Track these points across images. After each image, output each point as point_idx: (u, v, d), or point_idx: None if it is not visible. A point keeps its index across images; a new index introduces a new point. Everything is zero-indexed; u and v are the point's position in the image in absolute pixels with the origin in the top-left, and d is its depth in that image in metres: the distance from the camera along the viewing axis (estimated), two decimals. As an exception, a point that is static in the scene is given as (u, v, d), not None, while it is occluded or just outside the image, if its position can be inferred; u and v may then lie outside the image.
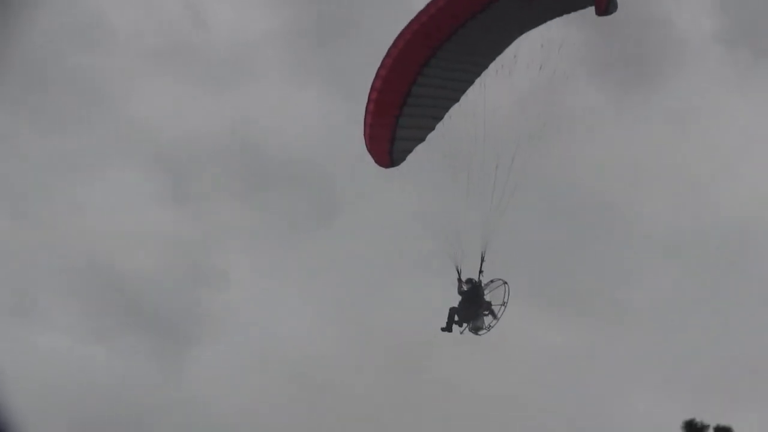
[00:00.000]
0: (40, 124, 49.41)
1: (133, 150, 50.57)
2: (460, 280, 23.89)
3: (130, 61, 51.14)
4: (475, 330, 23.83)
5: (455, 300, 24.13)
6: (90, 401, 42.42)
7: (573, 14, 23.12)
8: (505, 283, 23.99)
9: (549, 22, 23.35)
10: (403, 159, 24.77)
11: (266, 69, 51.25)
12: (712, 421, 13.96)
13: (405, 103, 24.20)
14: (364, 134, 24.32)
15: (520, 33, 23.65)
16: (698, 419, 14.08)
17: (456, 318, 23.84)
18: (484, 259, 23.77)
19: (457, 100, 24.39)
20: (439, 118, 24.56)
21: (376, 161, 24.77)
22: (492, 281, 24.05)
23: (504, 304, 23.87)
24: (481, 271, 23.87)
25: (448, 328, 23.74)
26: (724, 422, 13.96)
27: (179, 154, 49.46)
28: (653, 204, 47.95)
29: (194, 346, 46.05)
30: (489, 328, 23.88)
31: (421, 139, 24.64)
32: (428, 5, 22.97)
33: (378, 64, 23.90)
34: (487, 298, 23.97)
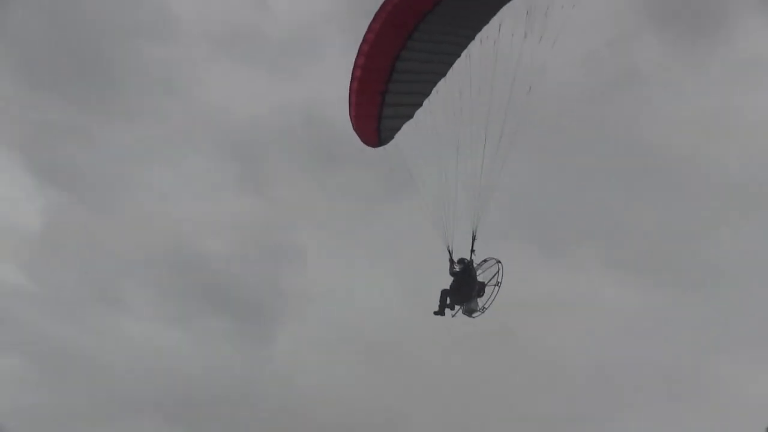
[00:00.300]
0: (117, 117, 50.20)
1: (206, 135, 51.08)
2: (451, 260, 22.80)
3: (197, 49, 51.51)
4: (469, 312, 22.73)
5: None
6: (178, 383, 43.14)
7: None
8: (499, 262, 22.85)
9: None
10: (391, 137, 23.80)
11: (330, 48, 51.12)
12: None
13: (390, 79, 23.22)
14: (350, 114, 23.44)
15: (504, 3, 22.46)
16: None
17: (448, 301, 22.78)
18: (476, 237, 22.69)
19: (443, 74, 23.32)
20: (426, 94, 23.52)
21: (364, 141, 23.82)
22: (485, 260, 22.97)
23: (498, 284, 22.74)
24: (473, 251, 22.80)
25: (440, 312, 22.69)
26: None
27: (250, 137, 49.70)
28: (727, 156, 46.22)
29: (276, 324, 48.05)
30: (483, 309, 22.80)
31: (409, 116, 23.63)
32: None
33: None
34: (480, 278, 22.87)
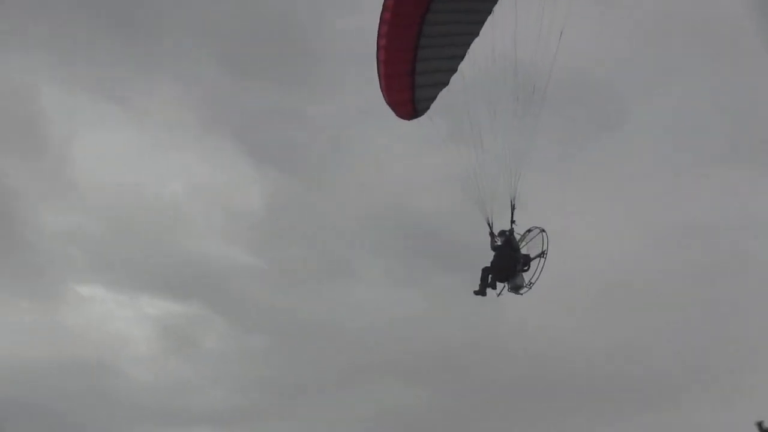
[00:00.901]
0: (322, 91, 50.67)
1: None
2: (492, 234, 21.00)
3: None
4: (515, 289, 20.85)
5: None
6: (414, 343, 43.67)
7: None
8: (543, 231, 20.90)
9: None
10: (427, 108, 22.16)
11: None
12: None
13: (418, 45, 21.66)
14: (381, 87, 21.99)
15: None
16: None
17: (490, 279, 20.98)
18: (515, 207, 20.84)
19: (475, 34, 21.50)
20: (460, 57, 21.75)
21: (399, 114, 22.31)
22: (529, 231, 21.07)
23: (543, 254, 20.79)
24: (513, 222, 20.95)
25: (481, 292, 20.88)
26: None
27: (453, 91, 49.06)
28: None
29: None
30: (530, 285, 20.89)
31: (444, 83, 21.91)
32: None
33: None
34: (524, 250, 20.97)
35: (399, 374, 44.32)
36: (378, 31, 21.39)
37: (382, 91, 21.94)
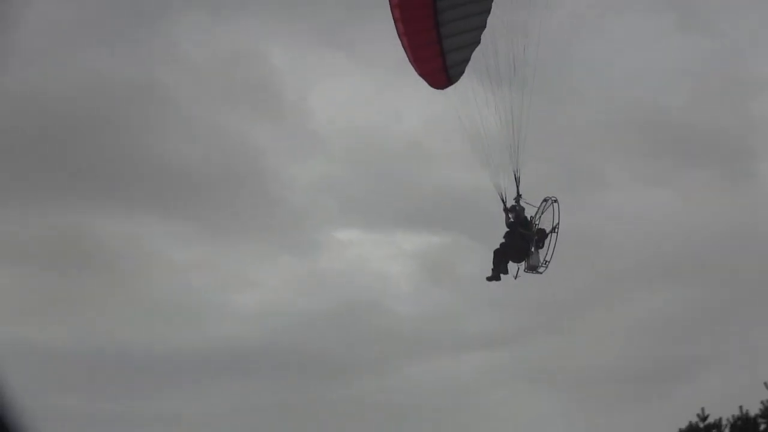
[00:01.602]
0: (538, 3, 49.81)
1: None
2: (506, 209, 18.83)
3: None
4: (532, 269, 18.63)
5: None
6: (671, 244, 43.06)
7: None
8: (555, 201, 18.44)
9: None
10: (462, 72, 20.34)
11: None
12: None
13: (436, 9, 19.98)
14: (409, 59, 20.51)
15: None
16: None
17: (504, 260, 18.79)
18: (519, 180, 18.59)
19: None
20: (487, 11, 19.67)
21: (433, 84, 20.62)
22: (545, 201, 18.71)
23: (555, 228, 18.32)
24: (519, 195, 18.65)
25: (495, 277, 18.75)
26: None
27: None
28: None
29: (756, 161, 46.31)
30: (545, 264, 18.49)
31: (475, 42, 20.05)
32: None
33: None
34: (538, 224, 18.61)
35: (662, 277, 42.44)
36: (390, 4, 20.03)
37: (411, 63, 20.48)
